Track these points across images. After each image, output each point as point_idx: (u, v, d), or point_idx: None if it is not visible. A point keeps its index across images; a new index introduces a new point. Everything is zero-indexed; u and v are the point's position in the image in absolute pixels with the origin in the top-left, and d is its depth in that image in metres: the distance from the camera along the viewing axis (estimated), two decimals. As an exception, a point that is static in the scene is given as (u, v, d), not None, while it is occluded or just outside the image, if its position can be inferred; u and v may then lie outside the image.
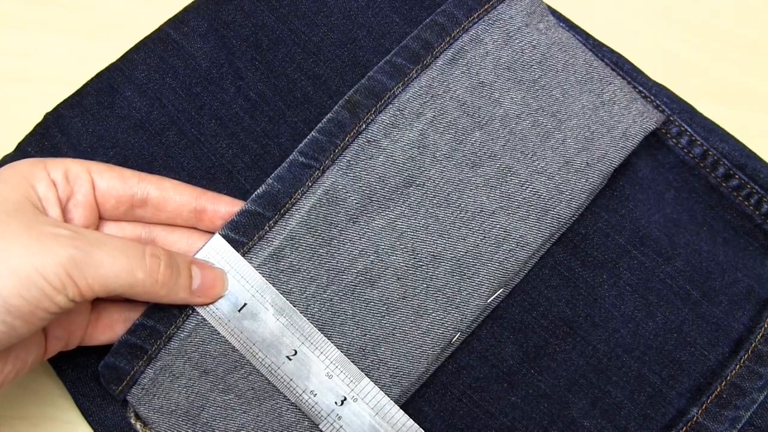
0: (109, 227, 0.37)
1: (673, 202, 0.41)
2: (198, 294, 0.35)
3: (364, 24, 0.42)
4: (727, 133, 0.42)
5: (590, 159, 0.38)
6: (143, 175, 0.36)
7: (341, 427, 0.36)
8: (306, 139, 0.37)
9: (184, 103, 0.41)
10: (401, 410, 0.36)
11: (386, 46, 0.41)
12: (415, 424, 0.36)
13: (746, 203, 0.41)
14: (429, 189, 0.38)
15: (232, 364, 0.36)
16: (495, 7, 0.39)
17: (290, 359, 0.36)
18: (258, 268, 0.36)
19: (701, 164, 0.41)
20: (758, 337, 0.39)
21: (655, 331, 0.40)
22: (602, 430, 0.39)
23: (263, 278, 0.36)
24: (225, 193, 0.38)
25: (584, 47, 0.40)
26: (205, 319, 0.36)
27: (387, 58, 0.38)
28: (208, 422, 0.36)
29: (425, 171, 0.38)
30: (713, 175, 0.41)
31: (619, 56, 0.42)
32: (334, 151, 0.37)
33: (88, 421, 0.39)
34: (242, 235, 0.36)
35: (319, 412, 0.36)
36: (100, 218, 0.36)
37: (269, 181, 0.37)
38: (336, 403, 0.36)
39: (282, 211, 0.36)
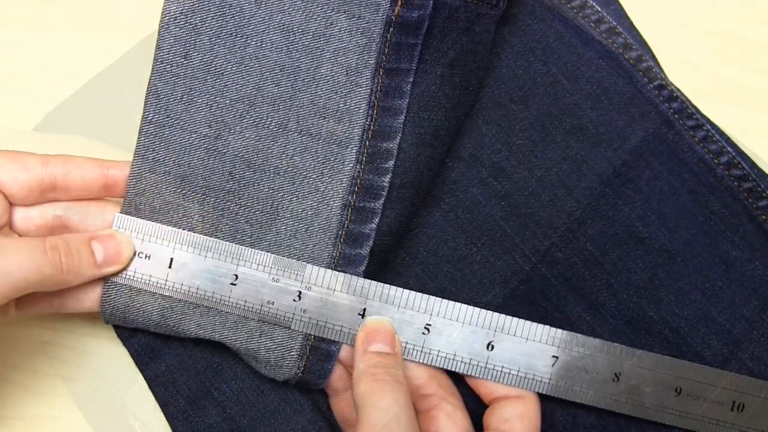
0: (18, 213, 0.37)
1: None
2: (106, 265, 0.36)
3: None
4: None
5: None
6: (48, 158, 0.36)
7: (310, 318, 0.37)
8: None
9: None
10: (355, 276, 0.37)
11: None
12: (376, 282, 0.37)
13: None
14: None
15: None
16: None
17: (235, 284, 0.37)
18: None
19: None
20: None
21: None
22: None
23: (175, 228, 0.37)
24: None
25: None
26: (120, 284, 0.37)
27: None
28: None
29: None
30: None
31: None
32: None
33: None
34: None
35: (284, 316, 0.37)
36: (11, 205, 0.36)
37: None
38: (294, 300, 0.37)
39: None
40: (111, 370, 0.41)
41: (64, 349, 0.42)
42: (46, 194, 0.36)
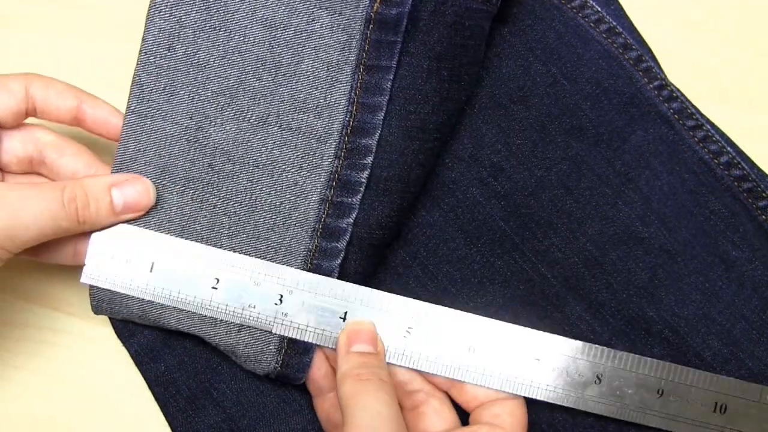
0: (3, 144, 0.37)
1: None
2: (125, 212, 0.37)
3: None
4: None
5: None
6: (31, 78, 0.37)
7: (291, 322, 0.37)
8: None
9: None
10: (337, 280, 0.37)
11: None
12: (357, 285, 0.37)
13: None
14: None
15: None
16: None
17: (216, 288, 0.37)
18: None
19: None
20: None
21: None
22: None
23: (155, 233, 0.37)
24: None
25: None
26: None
27: None
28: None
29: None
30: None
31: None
32: None
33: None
34: None
35: (265, 320, 0.37)
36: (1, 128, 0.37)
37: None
38: (276, 303, 0.37)
39: None
40: (110, 369, 0.41)
41: (62, 348, 0.42)
42: (28, 116, 0.37)
